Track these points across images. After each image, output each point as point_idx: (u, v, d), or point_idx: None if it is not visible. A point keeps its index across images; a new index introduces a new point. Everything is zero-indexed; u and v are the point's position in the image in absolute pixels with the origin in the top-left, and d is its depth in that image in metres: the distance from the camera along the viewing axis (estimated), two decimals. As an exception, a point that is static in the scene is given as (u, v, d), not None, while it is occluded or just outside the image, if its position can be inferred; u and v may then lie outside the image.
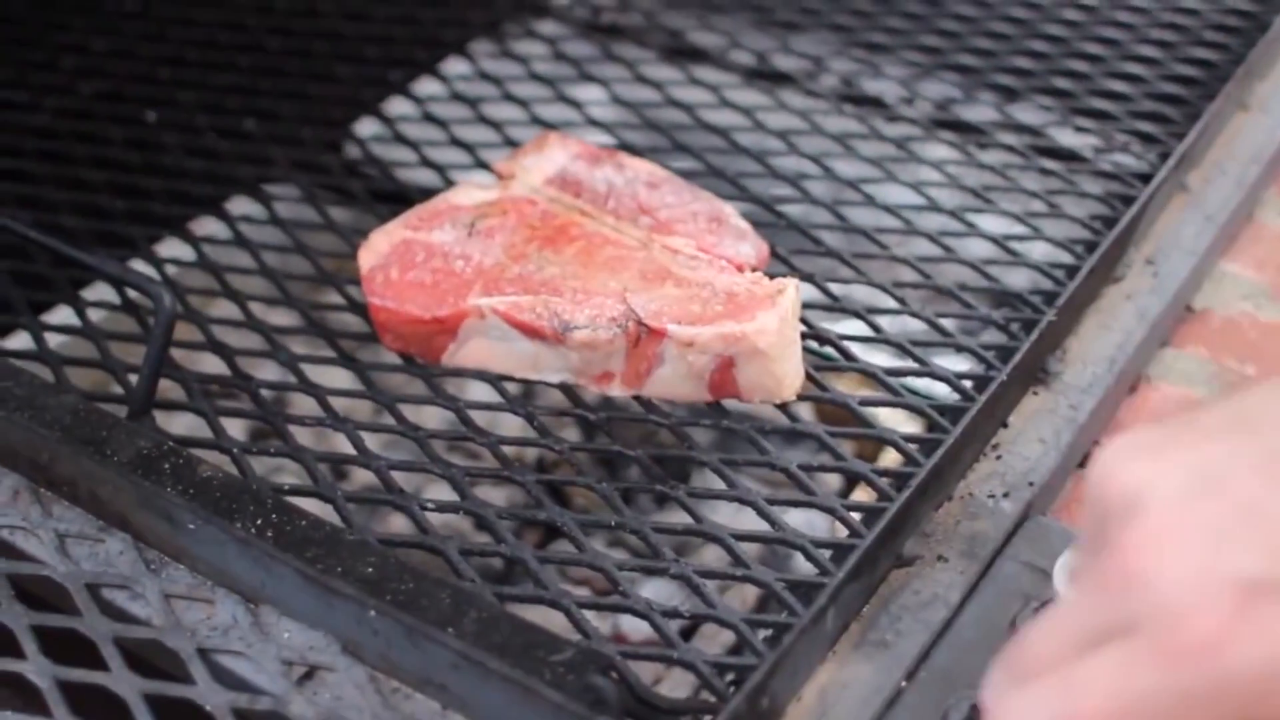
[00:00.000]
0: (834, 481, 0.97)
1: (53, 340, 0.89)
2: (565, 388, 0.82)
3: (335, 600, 0.66)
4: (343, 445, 0.81)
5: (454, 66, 1.19)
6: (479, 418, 0.82)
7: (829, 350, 0.86)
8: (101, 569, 0.72)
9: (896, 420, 0.90)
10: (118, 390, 0.83)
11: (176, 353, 0.84)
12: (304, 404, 0.85)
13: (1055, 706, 0.49)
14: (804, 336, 0.83)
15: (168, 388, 0.82)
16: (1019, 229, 0.95)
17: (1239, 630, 0.47)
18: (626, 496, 0.86)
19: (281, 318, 1.00)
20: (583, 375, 0.81)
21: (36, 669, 0.66)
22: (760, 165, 1.02)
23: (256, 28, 1.23)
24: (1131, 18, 1.19)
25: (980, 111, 1.10)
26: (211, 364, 0.88)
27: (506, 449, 0.80)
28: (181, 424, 0.94)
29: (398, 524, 0.95)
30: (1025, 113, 1.10)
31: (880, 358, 0.86)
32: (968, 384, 0.81)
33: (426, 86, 1.17)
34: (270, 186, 1.04)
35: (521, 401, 0.84)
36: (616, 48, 1.20)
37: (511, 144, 1.04)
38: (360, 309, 0.88)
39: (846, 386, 0.86)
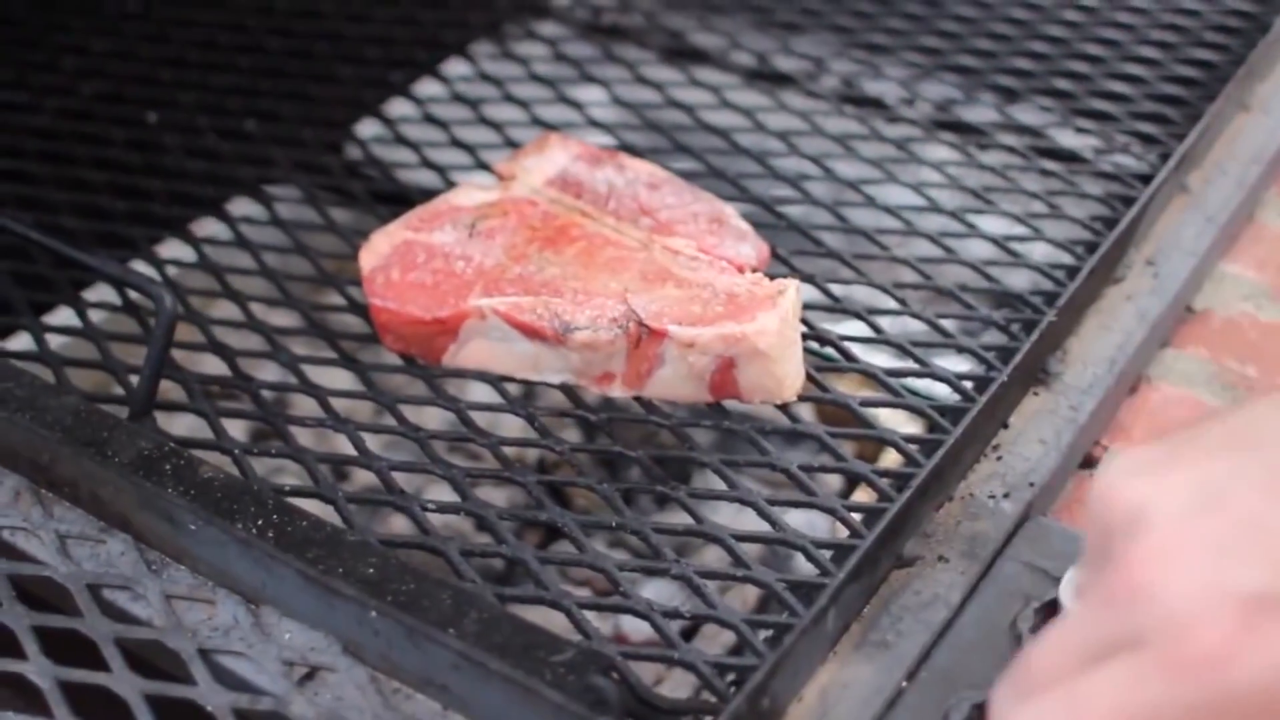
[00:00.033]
0: (835, 482, 0.98)
1: (54, 341, 0.89)
2: (566, 388, 0.82)
3: (336, 601, 0.67)
4: (344, 446, 0.81)
5: (455, 67, 1.19)
6: (480, 418, 0.82)
7: (830, 351, 0.86)
8: (103, 570, 0.72)
9: (897, 421, 0.90)
10: (119, 391, 0.83)
11: (177, 354, 0.84)
12: (305, 405, 0.86)
13: (1059, 719, 0.49)
14: (805, 337, 0.83)
15: (169, 389, 0.82)
16: (1019, 230, 0.95)
17: (1244, 644, 0.47)
18: (627, 497, 0.86)
19: (282, 319, 1.01)
20: (583, 376, 0.81)
21: (38, 670, 0.66)
22: (761, 166, 1.02)
23: (257, 29, 1.23)
24: (1132, 19, 1.19)
25: (981, 112, 1.10)
26: (212, 365, 0.88)
27: (507, 450, 0.80)
28: (182, 425, 0.94)
29: (399, 525, 0.95)
30: (1026, 114, 1.10)
31: (881, 358, 0.86)
32: (968, 385, 0.81)
33: (427, 87, 1.17)
34: (271, 187, 1.04)
35: (522, 402, 0.84)
36: (617, 49, 1.20)
37: (512, 145, 1.04)
38: (361, 310, 0.88)
39: (847, 387, 0.86)
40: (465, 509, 0.76)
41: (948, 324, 0.87)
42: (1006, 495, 0.78)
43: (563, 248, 0.84)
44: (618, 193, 0.89)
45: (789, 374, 0.79)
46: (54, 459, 0.75)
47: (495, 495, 0.99)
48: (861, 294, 0.92)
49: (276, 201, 1.02)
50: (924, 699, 0.67)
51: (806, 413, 0.95)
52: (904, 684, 0.68)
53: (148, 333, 0.84)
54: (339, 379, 0.89)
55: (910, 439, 0.78)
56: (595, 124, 1.08)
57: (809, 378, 0.81)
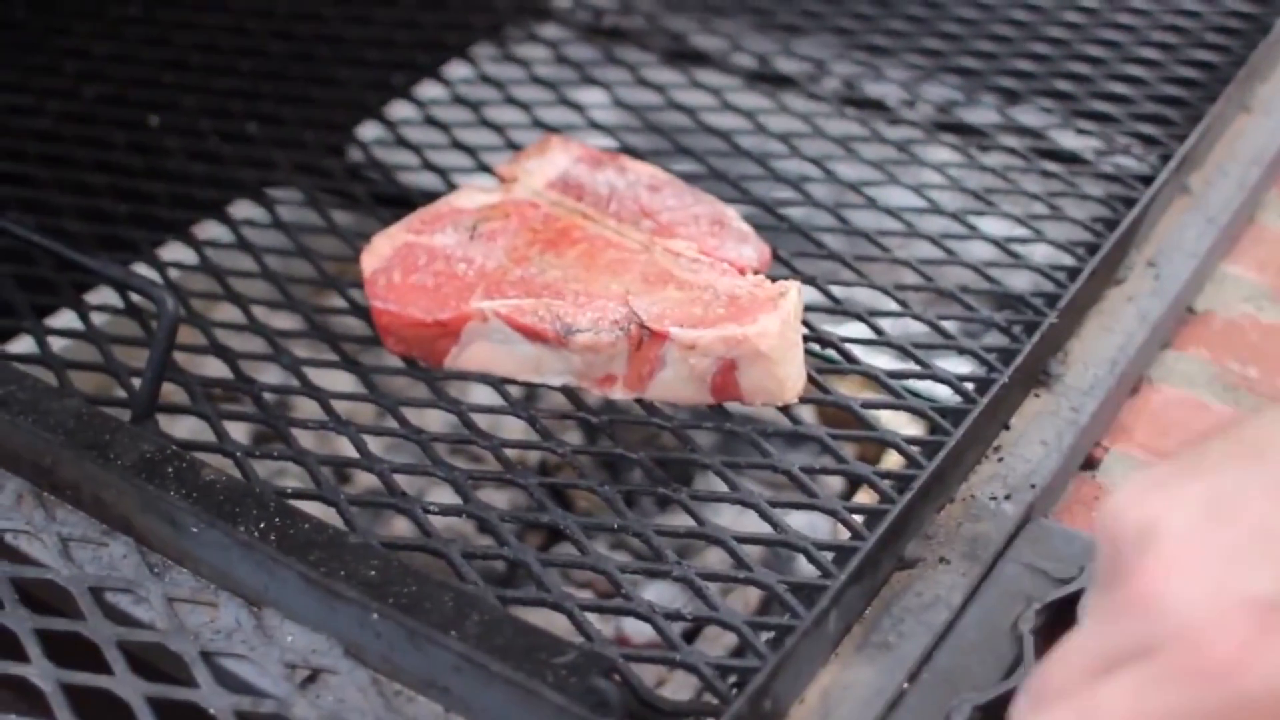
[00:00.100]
0: (836, 484, 0.98)
1: (56, 344, 0.89)
2: (567, 390, 0.82)
3: (338, 603, 0.67)
4: (345, 448, 0.81)
5: (456, 70, 1.19)
6: (481, 421, 0.82)
7: (831, 353, 0.86)
8: (105, 572, 0.72)
9: (898, 422, 0.90)
10: (121, 394, 0.83)
11: (179, 356, 0.84)
12: (307, 407, 0.86)
13: None
14: (806, 339, 0.83)
15: (171, 391, 0.82)
16: (1020, 231, 0.95)
17: (1256, 651, 0.47)
18: (629, 499, 0.86)
19: (284, 321, 1.01)
20: (585, 378, 0.81)
21: (40, 672, 0.66)
22: (762, 168, 1.03)
23: (258, 32, 1.23)
24: (1132, 20, 1.19)
25: (982, 114, 1.10)
26: (214, 367, 0.89)
27: (509, 452, 0.80)
28: (184, 427, 0.95)
29: (400, 527, 0.95)
30: (1027, 115, 1.10)
31: (882, 360, 0.86)
32: (969, 386, 0.81)
33: (428, 90, 1.17)
34: (273, 190, 1.04)
35: (524, 404, 0.84)
36: (618, 51, 1.20)
37: (513, 147, 1.04)
38: (363, 312, 0.88)
39: (848, 389, 0.86)
40: (467, 511, 0.76)
41: (949, 325, 0.87)
42: (1008, 497, 0.78)
43: (564, 250, 0.85)
44: (619, 195, 0.89)
45: (790, 376, 0.79)
46: (56, 462, 0.75)
47: (497, 497, 0.99)
48: (863, 296, 0.92)
49: (278, 204, 1.02)
50: (925, 700, 0.67)
51: (808, 414, 0.95)
52: (905, 685, 0.68)
53: (150, 335, 0.84)
54: (341, 381, 0.89)
55: (912, 440, 0.78)
56: (596, 126, 1.09)
57: (810, 379, 0.81)
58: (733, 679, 0.66)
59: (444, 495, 0.78)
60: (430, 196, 0.94)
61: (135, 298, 0.91)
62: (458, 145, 1.06)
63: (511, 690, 0.62)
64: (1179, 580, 0.49)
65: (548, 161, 0.93)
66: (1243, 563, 0.49)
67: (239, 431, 0.95)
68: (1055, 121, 1.08)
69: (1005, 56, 1.17)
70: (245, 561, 0.69)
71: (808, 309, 0.86)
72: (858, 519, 0.73)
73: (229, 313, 0.93)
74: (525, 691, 0.62)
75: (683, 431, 0.80)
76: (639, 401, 0.81)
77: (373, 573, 0.67)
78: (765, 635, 0.68)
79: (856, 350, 0.86)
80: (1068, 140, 1.06)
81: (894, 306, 0.89)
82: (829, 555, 0.71)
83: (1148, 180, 0.97)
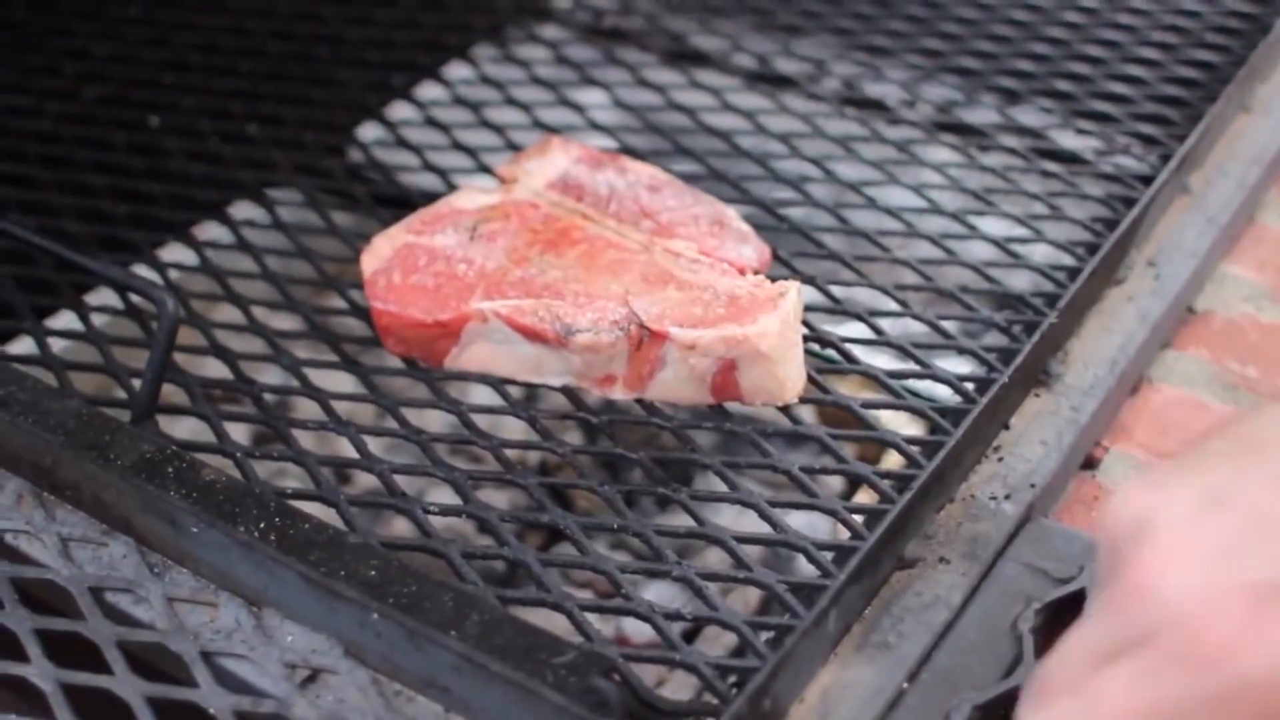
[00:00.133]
0: (836, 484, 0.98)
1: (56, 345, 0.89)
2: (567, 391, 0.82)
3: (338, 603, 0.67)
4: (345, 449, 0.81)
5: (456, 70, 1.19)
6: (481, 421, 0.82)
7: (831, 353, 0.86)
8: (105, 573, 0.72)
9: (898, 422, 0.90)
10: (121, 395, 0.83)
11: (179, 357, 0.84)
12: (307, 408, 0.86)
13: (1076, 718, 0.50)
14: (806, 339, 0.83)
15: (171, 392, 0.82)
16: (1020, 231, 0.95)
17: (1252, 634, 0.47)
18: (629, 499, 0.86)
19: (284, 322, 1.01)
20: (585, 378, 0.81)
21: (40, 672, 0.66)
22: (762, 168, 1.03)
23: (258, 32, 1.23)
24: (1132, 20, 1.19)
25: (982, 114, 1.10)
26: (214, 368, 0.89)
27: (509, 452, 0.80)
28: (184, 428, 0.95)
29: (400, 527, 0.95)
30: (1026, 115, 1.10)
31: (882, 360, 0.86)
32: (969, 386, 0.81)
33: (429, 90, 1.17)
34: (273, 191, 1.04)
35: (524, 405, 0.84)
36: (618, 51, 1.20)
37: (513, 148, 1.04)
38: (363, 313, 0.88)
39: (848, 389, 0.86)
40: (467, 511, 0.76)
41: (949, 325, 0.87)
42: (1007, 496, 0.78)
43: (564, 250, 0.85)
44: (619, 195, 0.89)
45: (790, 376, 0.79)
46: (56, 462, 0.75)
47: (497, 497, 0.99)
48: (863, 296, 0.92)
49: (278, 205, 1.02)
50: (925, 700, 0.67)
51: (808, 414, 0.95)
52: (905, 685, 0.68)
53: (150, 336, 0.84)
54: (341, 382, 0.89)
55: (911, 440, 0.78)
56: (596, 127, 1.09)
57: (810, 379, 0.81)
58: (732, 679, 0.66)
59: (444, 495, 0.78)
60: (430, 197, 0.94)
61: (135, 299, 0.91)
62: (458, 146, 1.06)
63: (511, 690, 0.62)
64: (1174, 569, 0.50)
65: (548, 162, 0.93)
66: (1237, 549, 0.49)
67: (239, 432, 0.95)
68: (1055, 121, 1.08)
69: (1005, 56, 1.17)
70: (245, 561, 0.69)
71: (808, 309, 0.86)
72: (857, 519, 0.73)
73: (229, 313, 0.93)
74: (525, 691, 0.62)
75: (683, 431, 0.80)
76: (639, 401, 0.81)
77: (373, 573, 0.67)
78: (765, 635, 0.68)
79: (856, 350, 0.86)
80: (1067, 140, 1.06)
81: (894, 306, 0.89)
82: (829, 555, 0.71)
83: (1148, 180, 0.98)
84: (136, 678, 0.66)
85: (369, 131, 1.13)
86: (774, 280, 0.81)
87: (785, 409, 0.80)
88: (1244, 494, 0.50)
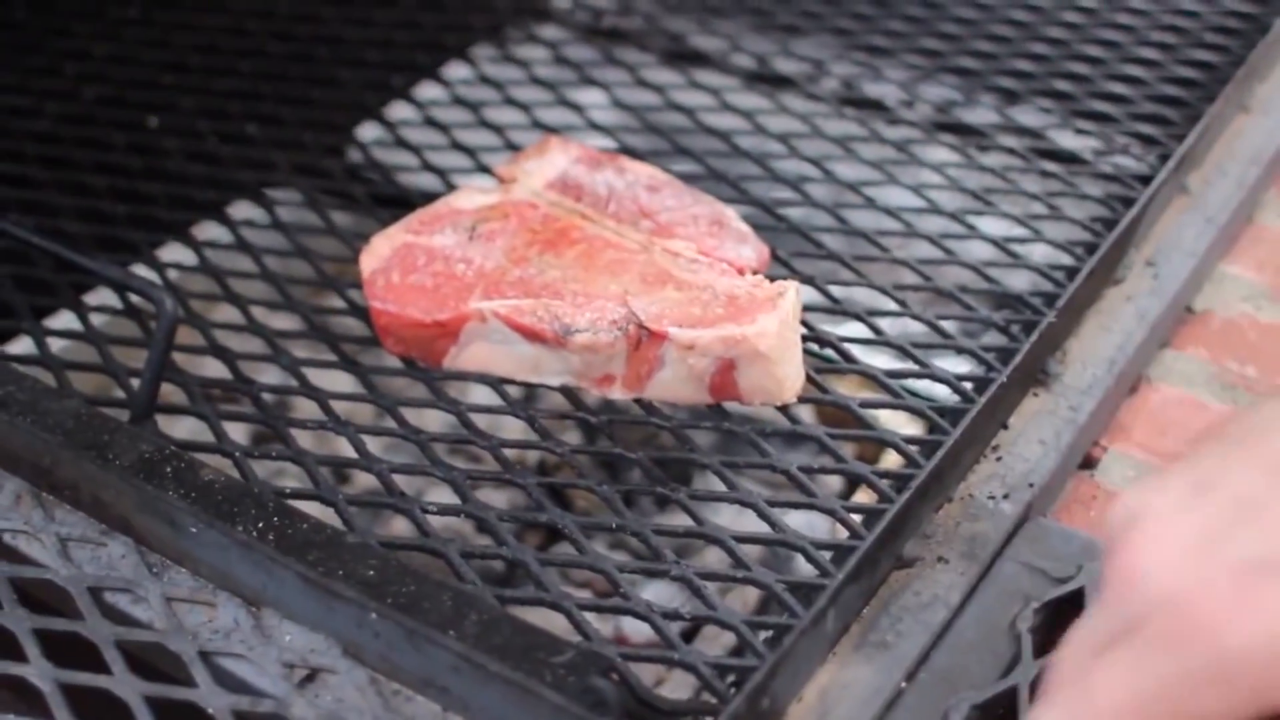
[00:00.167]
0: (835, 483, 0.98)
1: (55, 345, 0.89)
2: (566, 390, 0.82)
3: (336, 603, 0.67)
4: (344, 448, 0.81)
5: (455, 70, 1.19)
6: (480, 421, 0.82)
7: (829, 352, 0.86)
8: (103, 572, 0.72)
9: (897, 422, 0.90)
10: (120, 394, 0.83)
11: (178, 357, 0.84)
12: (305, 407, 0.86)
13: (1075, 709, 0.51)
14: (805, 339, 0.83)
15: (170, 392, 0.82)
16: (1019, 231, 0.95)
17: (1241, 609, 0.48)
18: (627, 499, 0.86)
19: (283, 321, 1.01)
20: (584, 378, 0.81)
21: (39, 672, 0.66)
22: (761, 168, 1.03)
23: (258, 33, 1.23)
24: (1131, 20, 1.19)
25: (981, 114, 1.10)
26: (213, 368, 0.89)
27: (508, 452, 0.80)
28: (183, 428, 0.95)
29: (399, 527, 0.95)
30: (1025, 115, 1.10)
31: (881, 360, 0.86)
32: (968, 386, 0.81)
33: (428, 90, 1.17)
34: (272, 191, 1.04)
35: (523, 404, 0.84)
36: (617, 51, 1.20)
37: (513, 148, 1.04)
38: (362, 313, 0.88)
39: (847, 388, 0.86)
40: (466, 511, 0.76)
41: (948, 325, 0.87)
42: (1006, 496, 0.78)
43: (563, 250, 0.85)
44: (618, 195, 0.89)
45: (789, 375, 0.79)
46: (55, 462, 0.75)
47: (496, 497, 0.99)
48: (861, 295, 0.92)
49: (277, 205, 1.02)
50: (923, 700, 0.67)
51: (806, 414, 0.95)
52: (903, 685, 0.68)
53: (149, 336, 0.84)
54: (339, 382, 0.89)
55: (910, 440, 0.78)
56: (595, 127, 1.09)
57: (809, 379, 0.81)
58: (731, 678, 0.66)
59: (443, 495, 0.78)
60: (429, 197, 0.94)
61: (134, 298, 0.91)
62: (457, 146, 1.06)
63: (510, 689, 0.62)
64: (1161, 551, 0.50)
65: (547, 162, 0.93)
66: (1223, 530, 0.50)
67: (238, 432, 0.95)
68: (1054, 121, 1.08)
69: (1004, 56, 1.17)
70: (244, 561, 0.69)
71: (806, 309, 0.86)
72: (856, 518, 0.73)
73: (228, 313, 0.93)
74: (523, 691, 0.62)
75: (681, 431, 0.80)
76: (638, 401, 0.81)
77: (371, 572, 0.67)
78: (763, 634, 0.68)
79: (855, 350, 0.86)
80: (1067, 140, 1.06)
81: (893, 306, 0.89)
82: (827, 554, 0.71)
83: (1146, 180, 0.98)
84: (135, 677, 0.66)
85: (368, 131, 1.13)
86: (773, 280, 0.81)
87: (784, 409, 0.80)
88: (1229, 480, 0.51)
